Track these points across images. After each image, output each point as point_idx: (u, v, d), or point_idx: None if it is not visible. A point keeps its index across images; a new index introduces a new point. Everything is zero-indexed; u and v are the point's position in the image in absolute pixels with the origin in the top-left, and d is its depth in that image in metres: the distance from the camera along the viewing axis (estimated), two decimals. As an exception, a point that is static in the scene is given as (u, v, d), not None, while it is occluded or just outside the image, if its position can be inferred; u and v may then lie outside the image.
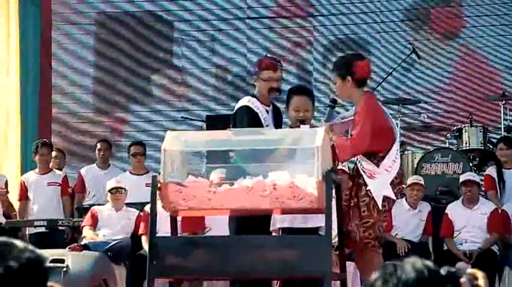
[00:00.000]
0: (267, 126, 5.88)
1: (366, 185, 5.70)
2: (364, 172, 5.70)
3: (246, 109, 5.93)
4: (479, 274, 2.24)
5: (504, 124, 9.66)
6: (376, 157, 5.75)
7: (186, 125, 11.05)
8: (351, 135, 5.77)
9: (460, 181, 8.33)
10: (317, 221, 5.58)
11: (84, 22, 11.82)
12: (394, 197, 6.01)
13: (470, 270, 2.26)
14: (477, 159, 9.21)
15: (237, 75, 11.67)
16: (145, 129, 11.58)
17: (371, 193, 5.67)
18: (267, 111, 5.98)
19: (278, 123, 6.08)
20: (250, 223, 5.46)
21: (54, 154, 9.52)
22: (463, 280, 2.17)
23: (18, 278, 2.14)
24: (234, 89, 11.55)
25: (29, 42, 11.25)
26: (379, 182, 5.72)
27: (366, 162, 5.72)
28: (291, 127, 6.01)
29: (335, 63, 6.05)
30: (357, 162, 5.76)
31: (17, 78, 11.01)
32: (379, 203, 5.69)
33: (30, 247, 2.21)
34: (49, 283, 2.24)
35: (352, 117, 5.81)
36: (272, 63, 6.04)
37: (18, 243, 2.20)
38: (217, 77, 11.75)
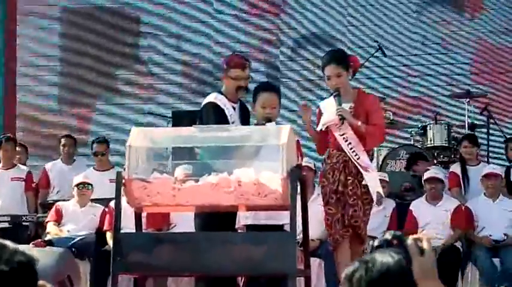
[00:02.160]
0: (233, 123, 5.88)
1: (364, 181, 5.87)
2: (360, 166, 5.82)
3: (213, 106, 5.93)
4: (424, 237, 2.33)
5: (468, 122, 9.75)
6: (368, 154, 6.01)
7: (151, 120, 11.03)
8: (373, 124, 5.93)
9: (424, 177, 8.39)
10: (281, 218, 5.59)
11: (50, 15, 11.75)
12: (383, 194, 6.67)
13: (415, 235, 2.35)
14: (407, 156, 9.25)
15: (203, 72, 11.66)
16: (110, 123, 11.54)
17: (369, 189, 5.84)
18: (234, 108, 5.99)
19: (245, 121, 6.08)
20: (215, 220, 5.45)
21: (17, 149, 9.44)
22: (410, 242, 2.26)
23: (9, 281, 2.13)
24: (200, 85, 11.54)
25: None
26: (373, 178, 5.93)
27: (364, 156, 5.87)
28: (257, 124, 6.02)
29: (335, 56, 6.14)
30: (353, 155, 5.83)
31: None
32: (375, 198, 5.96)
33: (21, 248, 2.19)
34: (39, 282, 2.23)
35: (351, 110, 5.95)
36: (241, 62, 6.05)
37: (10, 245, 2.19)
38: (184, 73, 11.73)
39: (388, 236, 2.27)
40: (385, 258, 2.20)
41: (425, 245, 2.34)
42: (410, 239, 2.33)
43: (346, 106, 5.94)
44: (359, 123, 5.86)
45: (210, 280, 5.60)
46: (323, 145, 6.09)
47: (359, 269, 2.20)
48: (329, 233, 6.00)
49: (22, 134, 11.16)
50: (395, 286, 2.16)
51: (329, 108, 5.99)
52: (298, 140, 5.83)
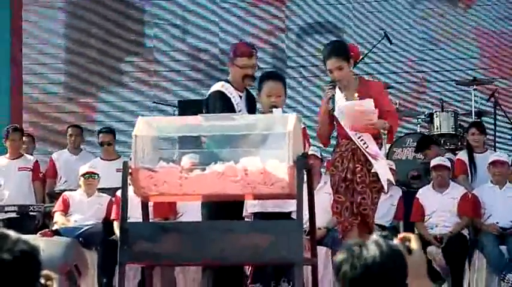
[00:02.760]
0: (239, 111, 5.86)
1: (373, 169, 5.82)
2: (369, 154, 5.78)
3: (219, 94, 5.90)
4: (412, 236, 2.33)
5: (475, 109, 9.73)
6: (377, 142, 5.93)
7: (157, 111, 11.03)
8: (387, 111, 5.89)
9: (431, 165, 8.37)
10: (288, 206, 5.59)
11: (55, 4, 11.74)
12: (393, 182, 6.50)
13: (402, 234, 2.34)
14: (414, 144, 9.19)
15: (209, 63, 11.63)
16: (116, 113, 11.54)
17: (378, 177, 5.79)
18: (241, 96, 5.97)
19: (251, 109, 6.06)
20: (222, 209, 5.44)
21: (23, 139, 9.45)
22: (396, 241, 2.26)
23: (12, 270, 2.12)
24: (207, 74, 11.52)
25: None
26: (383, 165, 5.89)
27: (372, 144, 5.83)
28: (263, 113, 6.00)
29: (335, 49, 6.03)
30: (362, 144, 5.79)
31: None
32: (385, 186, 5.89)
33: (24, 237, 2.18)
34: (44, 272, 2.23)
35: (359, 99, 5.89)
36: (248, 50, 6.00)
37: (12, 234, 2.19)
38: (190, 61, 11.71)
39: (374, 236, 2.26)
40: (373, 251, 2.19)
41: (413, 244, 2.34)
42: (396, 239, 2.32)
43: (353, 97, 5.90)
44: (386, 124, 5.85)
45: (217, 269, 5.61)
46: (327, 138, 6.08)
47: (345, 262, 2.20)
48: (338, 221, 5.99)
49: (28, 126, 11.17)
50: (379, 281, 2.16)
51: (339, 101, 5.92)
52: (304, 128, 5.81)
